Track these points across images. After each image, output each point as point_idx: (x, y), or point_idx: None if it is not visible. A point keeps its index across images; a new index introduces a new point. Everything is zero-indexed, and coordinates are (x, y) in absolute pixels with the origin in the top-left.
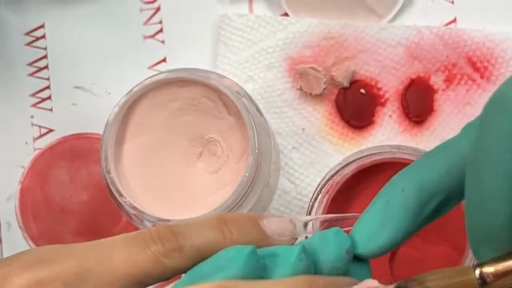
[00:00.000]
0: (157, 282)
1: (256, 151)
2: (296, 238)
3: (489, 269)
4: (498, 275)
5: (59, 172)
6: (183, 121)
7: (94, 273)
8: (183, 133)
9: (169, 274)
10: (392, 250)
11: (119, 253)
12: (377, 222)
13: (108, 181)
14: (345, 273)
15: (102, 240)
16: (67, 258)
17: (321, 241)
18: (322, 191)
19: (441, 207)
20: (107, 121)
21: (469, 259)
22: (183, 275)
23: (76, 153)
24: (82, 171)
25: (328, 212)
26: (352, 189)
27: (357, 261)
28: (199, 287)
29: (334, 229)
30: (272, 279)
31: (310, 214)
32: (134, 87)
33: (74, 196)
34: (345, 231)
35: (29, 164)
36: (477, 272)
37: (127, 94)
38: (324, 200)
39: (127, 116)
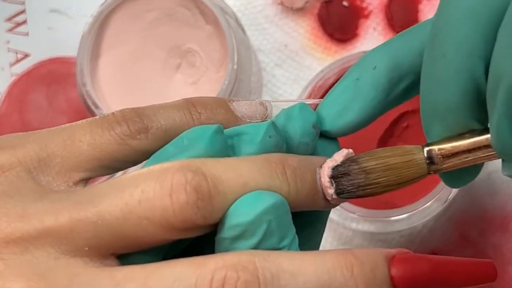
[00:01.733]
0: (125, 167)
1: (235, 57)
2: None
3: (438, 149)
4: (447, 155)
5: (37, 97)
6: (160, 31)
7: (57, 157)
8: (160, 44)
9: (136, 156)
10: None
11: (82, 137)
12: (345, 99)
13: (84, 94)
14: (313, 151)
15: (65, 125)
16: (29, 143)
17: (286, 117)
18: (303, 97)
19: (409, 89)
20: (82, 33)
21: None
22: None
23: (53, 77)
24: (60, 95)
25: None
26: None
27: (326, 140)
28: (162, 166)
29: (298, 104)
30: (242, 156)
31: None
32: None
33: (53, 121)
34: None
35: (6, 90)
36: (425, 150)
37: (101, 4)
38: None
39: (102, 28)
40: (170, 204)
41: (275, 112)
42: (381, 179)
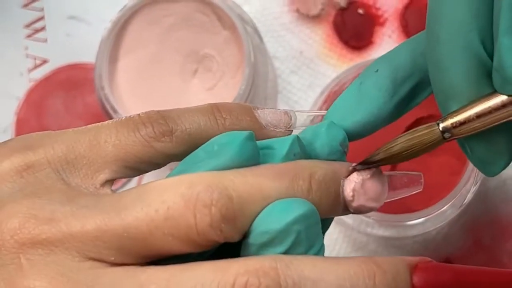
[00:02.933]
0: (149, 169)
1: (252, 62)
2: (291, 131)
3: (450, 120)
4: (460, 122)
5: (55, 103)
6: (177, 36)
7: (84, 159)
8: (177, 49)
9: (160, 159)
10: (392, 164)
11: (108, 137)
12: (351, 103)
13: (103, 98)
14: None
15: (91, 125)
16: (57, 144)
17: (313, 134)
18: (319, 102)
19: (418, 89)
20: (101, 38)
21: (472, 166)
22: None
23: (71, 83)
24: (77, 101)
25: None
26: None
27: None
28: (190, 180)
29: (326, 121)
30: (270, 163)
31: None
32: (127, 3)
33: (70, 126)
34: None
35: (24, 95)
36: (441, 125)
37: (120, 10)
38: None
39: (120, 33)
40: (194, 224)
41: (299, 120)
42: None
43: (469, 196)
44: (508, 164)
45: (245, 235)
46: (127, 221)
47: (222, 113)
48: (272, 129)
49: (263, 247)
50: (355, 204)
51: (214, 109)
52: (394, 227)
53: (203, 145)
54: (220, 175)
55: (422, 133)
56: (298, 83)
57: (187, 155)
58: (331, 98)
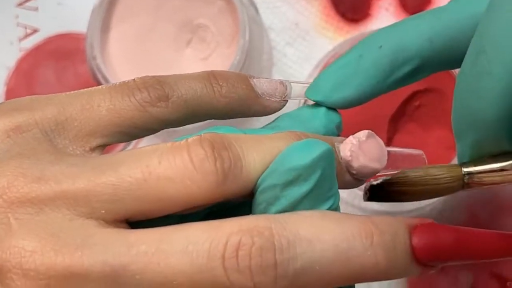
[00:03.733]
0: (143, 134)
1: (247, 33)
2: (286, 101)
3: (475, 170)
4: (483, 175)
5: (45, 73)
6: (171, 6)
7: (75, 121)
8: (171, 18)
9: (155, 124)
10: (388, 137)
11: (102, 102)
12: (345, 73)
13: (94, 68)
14: None
15: (84, 90)
16: (47, 106)
17: (311, 114)
18: (314, 75)
19: (415, 73)
20: (93, 6)
21: None
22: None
23: (62, 53)
24: (69, 70)
25: None
26: None
27: (329, 110)
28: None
29: (324, 106)
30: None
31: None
32: None
33: None
34: None
35: (14, 65)
36: (465, 172)
37: None
38: None
39: (113, 1)
40: (189, 160)
41: (294, 91)
42: (416, 196)
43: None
44: None
45: (263, 180)
46: (120, 171)
47: (218, 80)
48: (268, 98)
49: (287, 187)
50: (355, 164)
51: (211, 76)
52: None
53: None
54: (219, 133)
55: (444, 176)
56: (294, 55)
57: (182, 121)
58: None
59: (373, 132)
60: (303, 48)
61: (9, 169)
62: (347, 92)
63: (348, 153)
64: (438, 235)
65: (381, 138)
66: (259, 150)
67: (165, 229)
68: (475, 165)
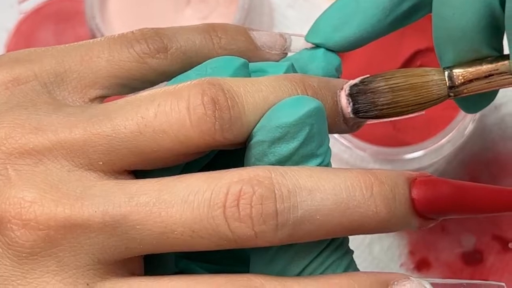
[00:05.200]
0: (143, 86)
1: None
2: (286, 54)
3: (459, 71)
4: (467, 80)
5: (45, 35)
6: None
7: (74, 73)
8: None
9: (154, 76)
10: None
11: (101, 53)
12: (345, 13)
13: (94, 28)
14: None
15: (83, 42)
16: (46, 58)
17: (310, 57)
18: None
19: (415, 9)
20: None
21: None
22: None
23: (62, 15)
24: (68, 33)
25: None
26: None
27: (328, 52)
28: (179, 84)
29: (322, 48)
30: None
31: None
32: None
33: None
34: None
35: (14, 27)
36: (446, 72)
37: None
38: None
39: None
40: (187, 116)
41: (295, 45)
42: (400, 99)
43: (467, 133)
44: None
45: (252, 136)
46: (116, 122)
47: (217, 32)
48: (268, 51)
49: (275, 144)
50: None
51: (210, 28)
52: (390, 162)
53: (196, 67)
54: (216, 79)
55: (426, 76)
56: (295, 17)
57: (181, 73)
58: None
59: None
60: (304, 10)
61: (7, 120)
62: (348, 32)
63: (345, 100)
64: (437, 187)
65: None
66: (256, 100)
67: (166, 179)
68: (459, 67)
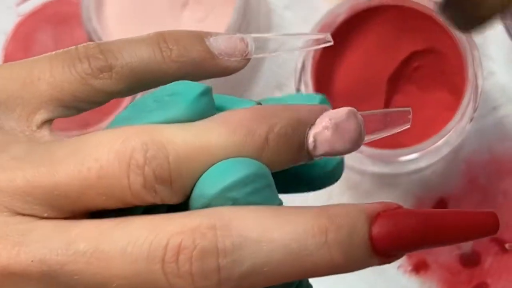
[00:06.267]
0: (89, 107)
1: None
2: (249, 59)
3: None
4: None
5: (43, 38)
6: None
7: (17, 99)
8: None
9: (100, 97)
10: (386, 99)
11: (42, 74)
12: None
13: (90, 31)
14: None
15: (29, 59)
16: None
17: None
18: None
19: None
20: None
21: (467, 102)
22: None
23: (60, 18)
24: (66, 35)
25: (321, 57)
26: (348, 34)
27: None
28: (126, 133)
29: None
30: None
31: (303, 62)
32: None
33: None
34: None
35: (12, 30)
36: None
37: None
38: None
39: None
40: (127, 185)
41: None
42: None
43: (464, 134)
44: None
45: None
46: (58, 178)
47: (168, 43)
48: (226, 58)
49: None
50: (317, 153)
51: (160, 39)
52: (387, 163)
53: (154, 91)
54: (160, 130)
55: None
56: (292, 18)
57: (130, 91)
58: (323, 31)
59: (353, 110)
60: (302, 11)
61: None
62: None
63: (312, 139)
64: (399, 222)
65: (379, 99)
66: (203, 165)
67: (108, 223)
68: None
